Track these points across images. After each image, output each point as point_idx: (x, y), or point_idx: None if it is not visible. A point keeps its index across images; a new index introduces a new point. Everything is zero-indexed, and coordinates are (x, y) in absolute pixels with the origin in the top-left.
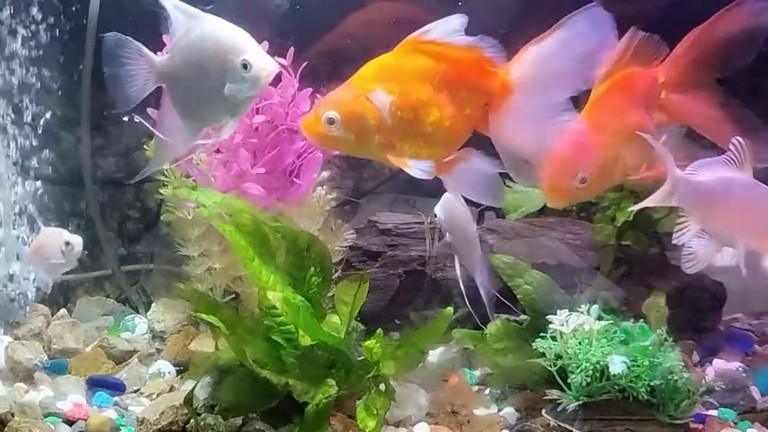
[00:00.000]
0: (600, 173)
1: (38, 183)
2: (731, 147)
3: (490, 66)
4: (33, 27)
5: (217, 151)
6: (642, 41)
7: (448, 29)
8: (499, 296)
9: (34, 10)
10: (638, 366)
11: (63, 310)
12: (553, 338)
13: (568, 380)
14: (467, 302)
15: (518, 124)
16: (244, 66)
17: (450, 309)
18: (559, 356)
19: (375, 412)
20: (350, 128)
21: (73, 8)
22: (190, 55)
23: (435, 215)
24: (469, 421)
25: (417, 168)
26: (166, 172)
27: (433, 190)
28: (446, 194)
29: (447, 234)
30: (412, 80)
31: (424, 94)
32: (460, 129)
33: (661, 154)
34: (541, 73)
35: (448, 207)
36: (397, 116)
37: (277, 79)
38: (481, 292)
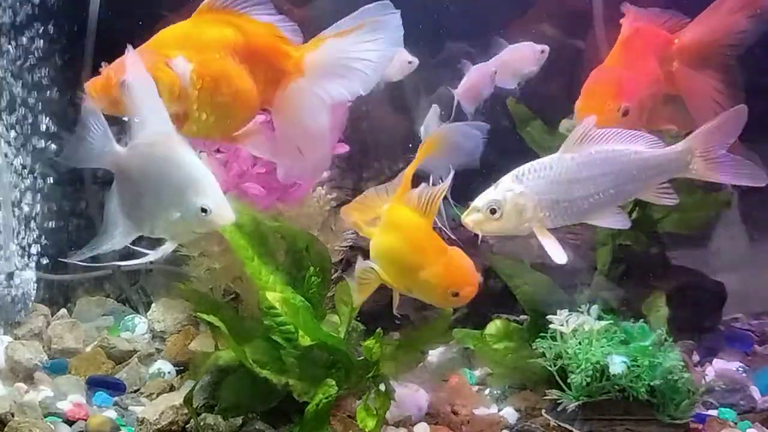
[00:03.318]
0: (637, 108)
1: (39, 183)
2: None
3: (286, 44)
4: (33, 24)
5: (218, 151)
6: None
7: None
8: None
9: (35, 9)
10: (638, 366)
11: (63, 310)
12: (553, 338)
13: (568, 380)
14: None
15: (301, 108)
16: (203, 210)
17: (450, 309)
18: (559, 356)
19: (375, 412)
20: None
21: (74, 7)
22: (148, 166)
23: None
24: (469, 421)
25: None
26: None
27: None
28: (429, 114)
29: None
30: (212, 49)
31: (225, 65)
32: (256, 103)
33: None
34: (335, 64)
35: (430, 125)
36: (197, 85)
37: None
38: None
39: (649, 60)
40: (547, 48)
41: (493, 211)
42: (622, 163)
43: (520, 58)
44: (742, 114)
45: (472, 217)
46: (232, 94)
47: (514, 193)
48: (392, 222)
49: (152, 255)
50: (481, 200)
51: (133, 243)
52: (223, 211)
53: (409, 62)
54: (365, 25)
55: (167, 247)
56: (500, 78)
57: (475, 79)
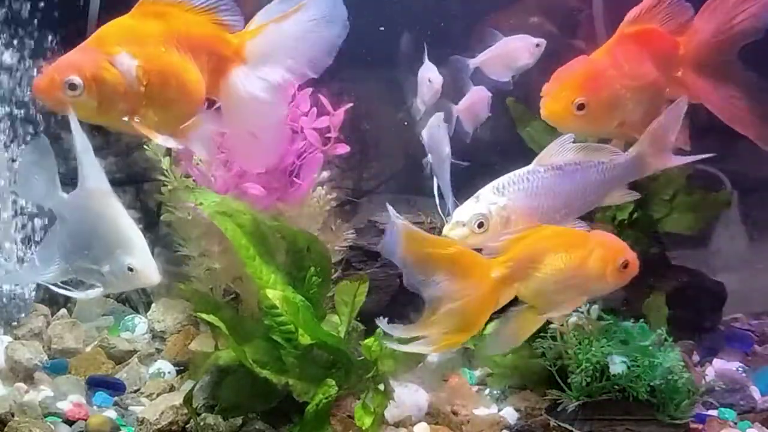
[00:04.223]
0: (600, 106)
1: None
2: None
3: (226, 31)
4: (31, 23)
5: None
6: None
7: None
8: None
9: (34, 7)
10: (638, 366)
11: (63, 310)
12: (553, 338)
13: (568, 380)
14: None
15: (247, 95)
16: (129, 269)
17: None
18: (559, 356)
19: (372, 410)
20: (93, 94)
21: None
22: (83, 218)
23: (422, 137)
24: (469, 421)
25: (165, 141)
26: (165, 172)
27: (433, 190)
28: (432, 120)
29: (429, 155)
30: (157, 43)
31: (171, 58)
32: (202, 95)
33: None
34: (277, 50)
35: (432, 130)
36: (143, 81)
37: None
38: (448, 205)
39: (643, 63)
40: (543, 41)
41: (480, 225)
42: (589, 174)
43: (514, 50)
44: (681, 107)
45: (457, 232)
46: (180, 88)
47: (498, 206)
48: (536, 253)
49: (80, 293)
50: (466, 214)
51: None
52: (149, 273)
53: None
54: (304, 7)
55: (96, 292)
56: (493, 70)
57: (476, 99)
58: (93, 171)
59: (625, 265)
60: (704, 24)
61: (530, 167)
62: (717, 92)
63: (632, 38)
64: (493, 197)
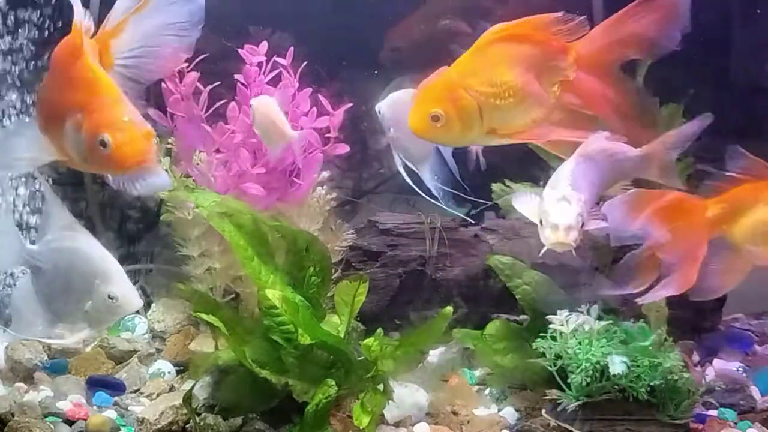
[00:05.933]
0: (456, 116)
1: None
2: None
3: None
4: (31, 22)
5: (217, 151)
6: (564, 20)
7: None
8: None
9: (34, 6)
10: (638, 366)
11: None
12: (553, 338)
13: (568, 380)
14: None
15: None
16: (110, 297)
17: (449, 308)
18: (559, 356)
19: (370, 410)
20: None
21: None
22: (59, 260)
23: (379, 111)
24: (469, 421)
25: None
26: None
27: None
28: (394, 93)
29: (390, 129)
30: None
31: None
32: None
33: None
34: (143, 42)
35: (395, 104)
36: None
37: (277, 79)
38: (430, 187)
39: (509, 68)
40: None
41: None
42: (612, 161)
43: None
44: (702, 124)
45: (571, 236)
46: None
47: (582, 202)
48: (747, 201)
49: (70, 340)
50: (570, 217)
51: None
52: (130, 298)
53: None
54: None
55: (85, 334)
56: None
57: None
58: (56, 210)
59: None
60: (598, 36)
61: (573, 157)
62: (605, 99)
63: (496, 44)
64: (574, 193)
